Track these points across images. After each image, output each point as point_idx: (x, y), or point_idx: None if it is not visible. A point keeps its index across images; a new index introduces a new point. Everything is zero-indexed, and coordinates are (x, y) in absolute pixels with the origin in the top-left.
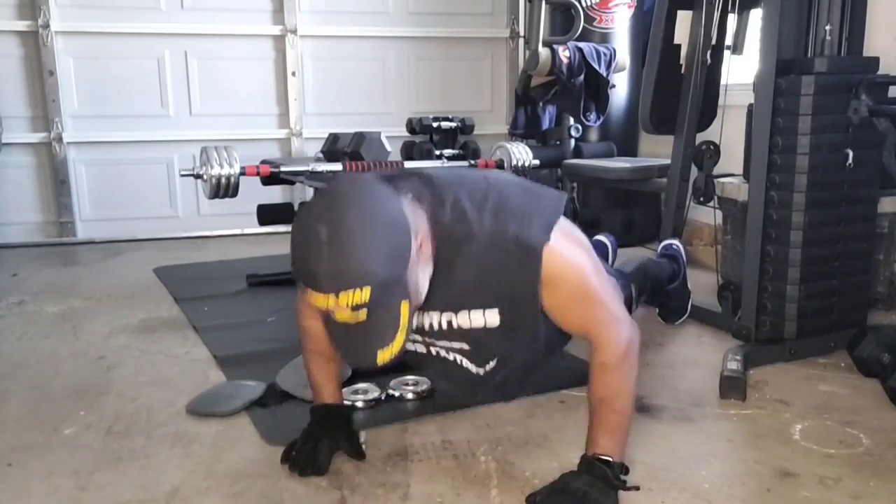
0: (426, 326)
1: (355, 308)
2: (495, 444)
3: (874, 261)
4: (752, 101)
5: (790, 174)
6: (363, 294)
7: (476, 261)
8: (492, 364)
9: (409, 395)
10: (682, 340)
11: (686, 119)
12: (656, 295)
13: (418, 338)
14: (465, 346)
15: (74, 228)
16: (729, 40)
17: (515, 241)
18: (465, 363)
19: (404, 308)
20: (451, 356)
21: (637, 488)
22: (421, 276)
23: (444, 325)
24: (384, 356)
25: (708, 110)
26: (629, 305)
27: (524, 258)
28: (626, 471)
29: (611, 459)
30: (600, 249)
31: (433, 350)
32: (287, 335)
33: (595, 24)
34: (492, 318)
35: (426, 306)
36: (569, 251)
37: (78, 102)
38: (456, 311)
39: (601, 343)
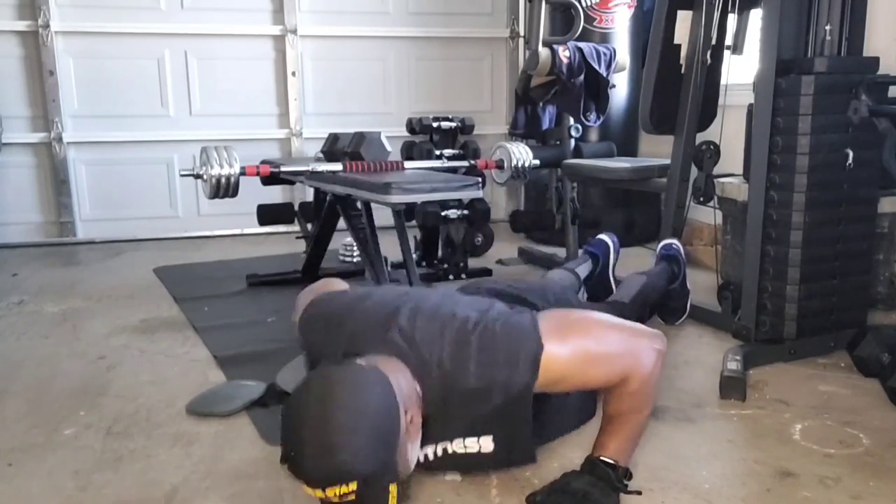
0: (420, 460)
1: (343, 497)
2: None
3: (874, 261)
4: (752, 101)
5: (790, 174)
6: (350, 487)
7: (467, 409)
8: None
9: None
10: (682, 340)
11: (686, 119)
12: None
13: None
14: (458, 477)
15: (74, 228)
16: (729, 40)
17: (506, 387)
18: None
19: (392, 489)
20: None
21: (639, 493)
22: (410, 448)
23: (440, 453)
24: None
25: (708, 110)
26: None
27: (517, 399)
28: (629, 476)
29: (615, 463)
30: (603, 248)
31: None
32: (287, 335)
33: (595, 24)
34: (486, 444)
35: (422, 443)
36: (564, 350)
37: (78, 102)
38: (451, 440)
39: (631, 380)
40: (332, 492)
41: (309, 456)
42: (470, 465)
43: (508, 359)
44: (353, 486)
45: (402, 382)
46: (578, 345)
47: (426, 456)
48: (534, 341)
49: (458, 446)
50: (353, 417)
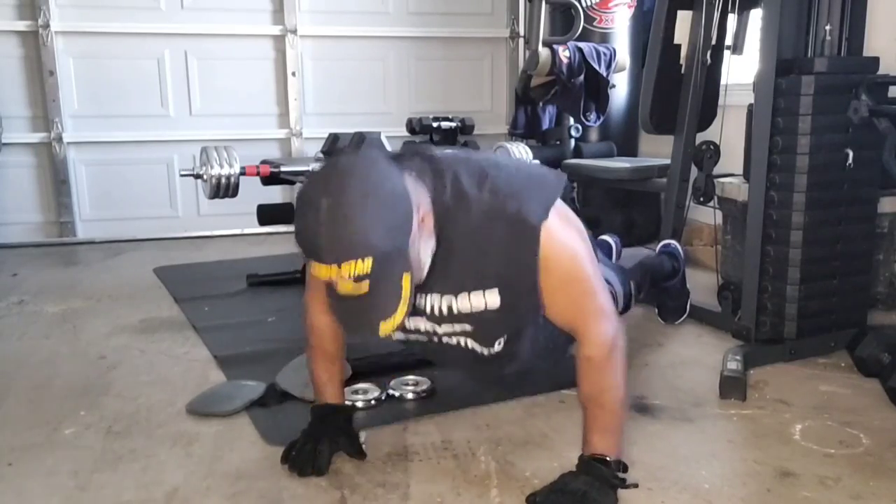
0: (427, 309)
1: (357, 279)
2: (495, 443)
3: (874, 261)
4: (752, 101)
5: (790, 174)
6: (365, 264)
7: (474, 239)
8: (501, 342)
9: (409, 395)
10: (682, 340)
11: (686, 119)
12: (656, 291)
13: (420, 327)
14: (468, 328)
15: (74, 228)
16: (729, 40)
17: (514, 219)
18: (472, 344)
19: (406, 280)
20: (454, 340)
21: (636, 486)
22: (423, 249)
23: (445, 310)
24: (386, 328)
25: (708, 110)
26: (628, 301)
27: (522, 236)
28: (624, 468)
29: (608, 458)
30: (605, 249)
31: (435, 339)
32: (287, 335)
33: (595, 24)
34: (492, 299)
35: (426, 289)
36: (564, 234)
37: (78, 102)
38: (456, 295)
39: (587, 336)
40: (348, 269)
41: (325, 230)
42: (477, 321)
43: (522, 193)
44: (367, 263)
45: (417, 188)
46: (576, 245)
47: (431, 308)
48: (548, 195)
49: (463, 303)
50: (369, 194)
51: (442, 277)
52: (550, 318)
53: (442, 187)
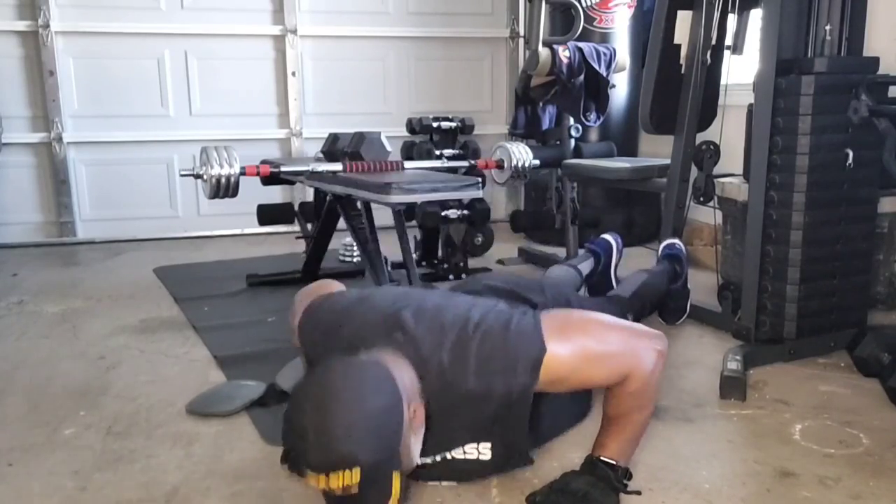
0: (419, 464)
1: (346, 488)
2: None
3: (874, 261)
4: (752, 101)
5: (790, 174)
6: (353, 476)
7: (467, 413)
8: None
9: None
10: (682, 340)
11: (686, 119)
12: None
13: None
14: (454, 484)
15: (74, 228)
16: (729, 40)
17: (505, 393)
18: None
19: (396, 478)
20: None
21: (639, 493)
22: (413, 441)
23: (438, 459)
24: None
25: (708, 110)
26: None
27: (516, 403)
28: (629, 476)
29: (615, 463)
30: (605, 247)
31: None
32: (287, 335)
33: (595, 24)
34: (484, 451)
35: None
36: (566, 350)
37: (78, 102)
38: (450, 449)
39: (632, 376)
40: (336, 480)
41: (312, 444)
42: (467, 472)
43: (507, 365)
44: (356, 474)
45: (405, 377)
46: (579, 344)
47: (425, 463)
48: (536, 344)
49: (457, 453)
50: (356, 406)
51: (434, 442)
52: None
53: (427, 375)
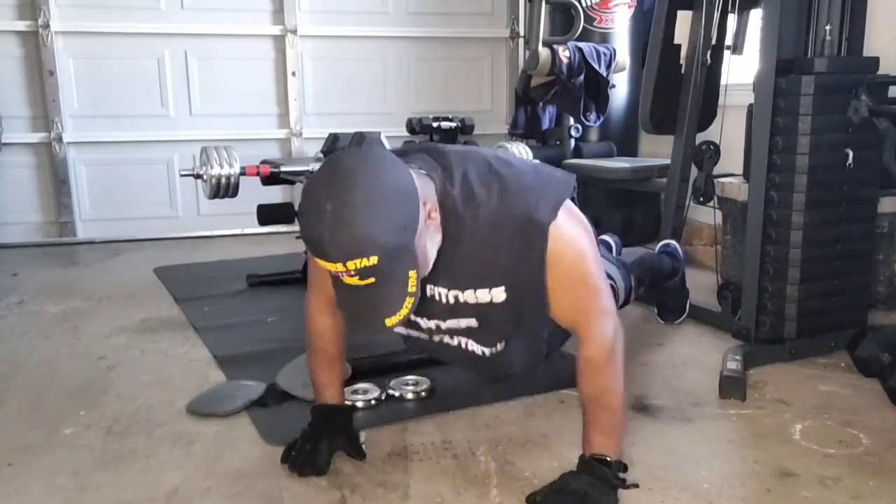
0: (434, 300)
1: (363, 275)
2: (495, 443)
3: (874, 261)
4: (752, 101)
5: (790, 174)
6: (371, 262)
7: (483, 238)
8: (500, 346)
9: (409, 395)
10: (682, 340)
11: (686, 119)
12: (655, 291)
13: (422, 324)
14: (473, 323)
15: (74, 228)
16: (729, 40)
17: (523, 220)
18: (472, 346)
19: (412, 276)
20: (455, 341)
21: (636, 486)
22: (429, 244)
23: (451, 300)
24: (391, 322)
25: (708, 110)
26: (628, 295)
27: (531, 236)
28: (624, 468)
29: (609, 458)
30: (606, 247)
31: (436, 338)
32: (287, 335)
33: (595, 24)
34: (498, 295)
35: (432, 280)
36: (572, 233)
37: (78, 102)
38: (462, 290)
39: (589, 335)
40: (353, 266)
41: (330, 227)
42: (482, 315)
43: (530, 194)
44: (373, 259)
45: (424, 183)
46: (582, 244)
47: (437, 299)
48: (556, 194)
49: (469, 297)
50: (374, 193)
51: (449, 272)
52: (553, 315)
53: (451, 184)
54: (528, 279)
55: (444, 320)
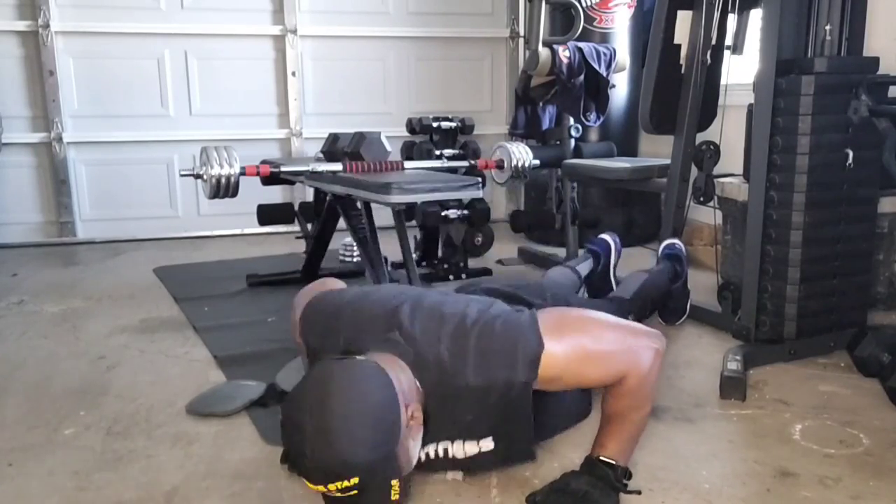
0: (422, 458)
1: (346, 492)
2: None
3: (874, 261)
4: (752, 101)
5: (790, 174)
6: (352, 482)
7: (466, 407)
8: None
9: None
10: (682, 340)
11: (686, 119)
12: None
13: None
14: (458, 477)
15: (74, 228)
16: (729, 40)
17: (506, 387)
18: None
19: (395, 484)
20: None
21: (639, 492)
22: (412, 444)
23: (441, 454)
24: None
25: (708, 110)
26: None
27: (517, 398)
28: (629, 475)
29: (615, 463)
30: (604, 247)
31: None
32: (287, 335)
33: (595, 24)
34: (486, 444)
35: (423, 442)
36: (562, 348)
37: (78, 102)
38: (452, 441)
39: (629, 375)
40: (335, 487)
41: (310, 452)
42: (471, 466)
43: (507, 359)
44: (354, 480)
45: (402, 378)
46: (576, 343)
47: (427, 454)
48: (533, 340)
49: (458, 450)
50: (353, 411)
51: (436, 430)
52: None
53: (426, 372)
54: (517, 431)
55: (433, 472)
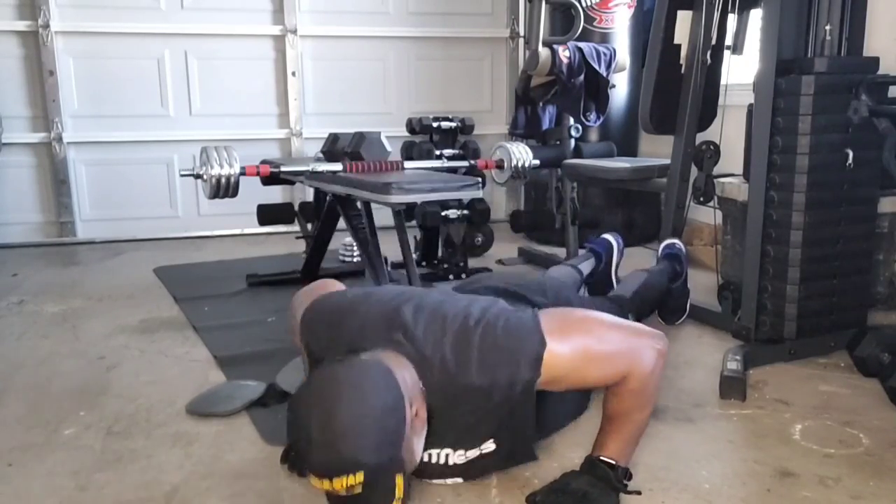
0: (425, 459)
1: (350, 489)
2: None
3: (874, 261)
4: (752, 101)
5: (790, 174)
6: (356, 478)
7: (469, 407)
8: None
9: None
10: (682, 340)
11: (686, 119)
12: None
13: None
14: (459, 480)
15: (74, 228)
16: (729, 40)
17: (508, 388)
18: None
19: (399, 480)
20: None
21: (639, 493)
22: (416, 441)
23: (442, 460)
24: None
25: (708, 110)
26: None
27: (520, 397)
28: (629, 476)
29: (615, 463)
30: (606, 246)
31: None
32: (287, 335)
33: (595, 24)
34: (487, 446)
35: (424, 447)
36: (565, 348)
37: (78, 102)
38: (454, 449)
39: (631, 375)
40: (339, 483)
41: (315, 448)
42: (472, 468)
43: (510, 358)
44: (359, 476)
45: (407, 376)
46: (579, 343)
47: (429, 456)
48: (536, 339)
49: (459, 457)
50: (359, 409)
51: (439, 436)
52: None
53: (429, 372)
54: (521, 428)
55: (432, 479)
